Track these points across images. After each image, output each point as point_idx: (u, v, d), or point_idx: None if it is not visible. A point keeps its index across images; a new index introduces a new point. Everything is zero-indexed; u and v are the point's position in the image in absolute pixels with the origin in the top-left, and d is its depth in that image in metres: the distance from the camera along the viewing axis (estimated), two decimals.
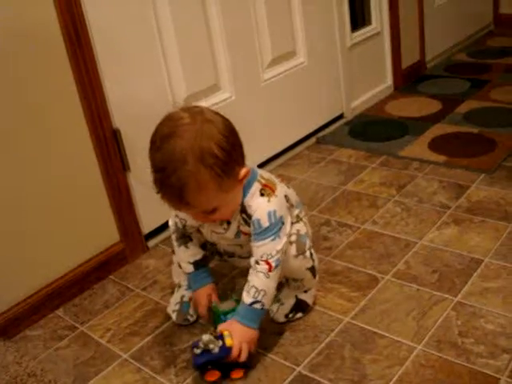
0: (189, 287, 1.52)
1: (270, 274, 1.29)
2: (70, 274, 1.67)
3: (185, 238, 1.44)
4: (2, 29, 1.41)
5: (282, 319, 1.46)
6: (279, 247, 1.30)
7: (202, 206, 1.21)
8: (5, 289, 1.54)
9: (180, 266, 1.50)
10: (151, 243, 1.89)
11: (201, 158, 1.14)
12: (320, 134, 2.51)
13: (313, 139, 2.49)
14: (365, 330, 1.40)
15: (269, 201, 1.29)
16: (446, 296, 1.47)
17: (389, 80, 2.89)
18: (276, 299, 1.49)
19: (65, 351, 1.49)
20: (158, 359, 1.41)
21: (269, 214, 1.28)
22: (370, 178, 2.12)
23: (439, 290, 1.50)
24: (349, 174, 2.17)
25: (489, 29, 3.72)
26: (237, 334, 1.28)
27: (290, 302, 1.47)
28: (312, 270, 1.43)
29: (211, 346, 1.25)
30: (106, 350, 1.46)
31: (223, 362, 1.28)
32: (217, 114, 1.22)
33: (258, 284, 1.28)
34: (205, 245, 1.46)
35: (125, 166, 1.75)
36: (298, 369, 1.32)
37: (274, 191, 1.31)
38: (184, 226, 1.41)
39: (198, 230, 1.43)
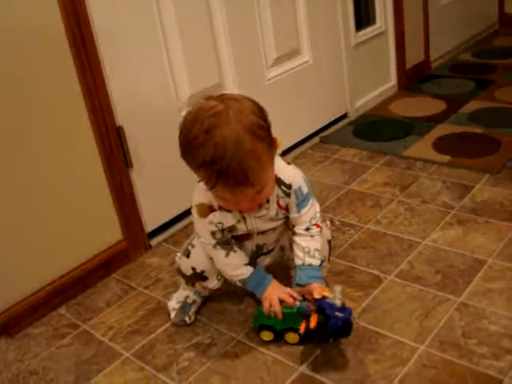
0: (195, 291, 1.51)
1: (321, 233, 1.37)
2: (72, 272, 1.67)
3: (229, 244, 1.37)
4: (6, 28, 1.41)
5: None
6: (318, 208, 1.38)
7: (263, 181, 1.18)
8: (7, 286, 1.54)
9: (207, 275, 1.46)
10: (154, 241, 1.89)
11: (253, 133, 1.12)
12: (324, 134, 2.51)
13: (317, 138, 2.49)
14: (368, 329, 1.40)
15: (295, 168, 1.34)
16: (450, 296, 1.47)
17: (393, 79, 2.89)
18: None
19: (67, 349, 1.49)
20: (160, 358, 1.41)
21: (304, 179, 1.33)
22: (373, 177, 2.12)
23: (442, 290, 1.49)
24: (352, 173, 2.17)
25: (494, 29, 3.71)
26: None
27: None
28: (330, 244, 1.45)
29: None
30: (108, 349, 1.46)
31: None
32: (232, 93, 1.22)
33: (318, 245, 1.36)
34: None
35: (128, 163, 1.75)
36: (301, 368, 1.31)
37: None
38: (222, 232, 1.35)
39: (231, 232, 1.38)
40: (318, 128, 2.50)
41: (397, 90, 2.90)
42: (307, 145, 2.44)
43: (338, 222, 1.86)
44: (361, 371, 1.28)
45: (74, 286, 1.67)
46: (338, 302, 1.25)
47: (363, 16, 2.70)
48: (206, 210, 1.31)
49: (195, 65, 1.90)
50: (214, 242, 1.36)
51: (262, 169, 1.16)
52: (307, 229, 1.35)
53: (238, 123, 1.11)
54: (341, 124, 2.59)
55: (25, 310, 1.57)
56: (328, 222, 1.47)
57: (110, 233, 1.76)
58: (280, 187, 1.30)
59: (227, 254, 1.37)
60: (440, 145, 2.27)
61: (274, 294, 1.35)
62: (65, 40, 1.53)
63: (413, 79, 2.97)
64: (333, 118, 2.57)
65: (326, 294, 1.28)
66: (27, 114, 1.49)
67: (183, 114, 1.14)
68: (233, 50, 2.02)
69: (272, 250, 1.45)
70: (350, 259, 1.67)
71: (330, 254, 1.48)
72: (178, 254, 1.49)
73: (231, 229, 1.35)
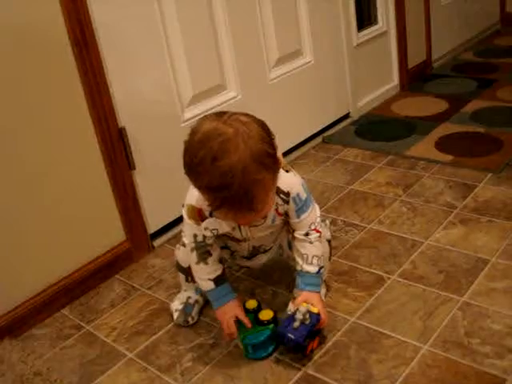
0: (196, 290, 1.52)
1: (321, 238, 1.37)
2: (75, 273, 1.67)
3: (204, 253, 1.37)
4: (8, 29, 1.42)
5: None
6: (318, 212, 1.38)
7: (266, 205, 1.18)
8: (11, 288, 1.55)
9: (182, 275, 1.50)
10: (157, 242, 1.89)
11: (260, 162, 1.11)
12: (326, 134, 2.51)
13: (319, 138, 2.49)
14: (371, 329, 1.40)
15: (294, 174, 1.32)
16: (453, 296, 1.46)
17: (395, 79, 2.89)
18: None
19: (71, 350, 1.49)
20: (164, 358, 1.41)
21: (302, 186, 1.33)
22: (376, 177, 2.12)
23: (445, 289, 1.49)
24: (355, 173, 2.17)
25: (496, 28, 3.71)
26: (316, 301, 1.34)
27: None
28: (330, 244, 1.46)
29: (307, 316, 1.30)
30: (111, 349, 1.47)
31: (314, 330, 1.32)
32: (240, 113, 1.18)
33: (317, 252, 1.36)
34: (220, 260, 1.43)
35: (130, 165, 1.75)
36: (304, 368, 1.31)
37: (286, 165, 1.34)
38: (204, 239, 1.35)
39: (219, 237, 1.38)
40: (321, 128, 2.50)
41: (399, 89, 2.90)
42: (310, 145, 2.44)
43: (340, 222, 1.86)
44: (364, 371, 1.28)
45: (78, 287, 1.67)
46: (295, 324, 1.29)
47: (365, 16, 2.70)
48: (195, 212, 1.31)
49: (197, 66, 1.90)
50: (193, 245, 1.36)
51: (267, 195, 1.16)
52: (306, 234, 1.35)
53: (246, 151, 1.09)
54: (343, 124, 2.59)
55: (28, 311, 1.57)
56: (327, 222, 1.47)
57: (113, 234, 1.77)
58: (279, 195, 1.29)
59: (198, 263, 1.38)
60: (442, 144, 2.27)
61: (229, 314, 1.37)
62: (67, 41, 1.53)
63: (415, 79, 2.96)
64: (335, 118, 2.57)
65: (304, 305, 1.32)
66: (30, 115, 1.50)
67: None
68: (235, 51, 2.02)
69: (269, 249, 1.46)
70: (352, 259, 1.67)
71: (330, 254, 1.49)
72: (177, 246, 1.50)
73: (226, 234, 1.36)
